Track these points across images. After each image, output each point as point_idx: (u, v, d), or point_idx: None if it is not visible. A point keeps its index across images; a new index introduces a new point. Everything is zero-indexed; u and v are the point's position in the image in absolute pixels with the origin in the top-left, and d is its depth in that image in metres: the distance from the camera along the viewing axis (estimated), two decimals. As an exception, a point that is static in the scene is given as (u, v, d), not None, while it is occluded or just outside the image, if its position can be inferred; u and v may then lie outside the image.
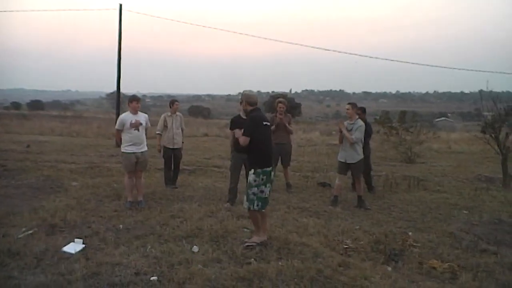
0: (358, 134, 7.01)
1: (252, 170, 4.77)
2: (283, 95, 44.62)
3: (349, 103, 7.26)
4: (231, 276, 3.84)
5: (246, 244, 4.67)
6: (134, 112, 6.55)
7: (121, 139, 6.61)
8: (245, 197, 4.85)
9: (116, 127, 6.69)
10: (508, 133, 10.09)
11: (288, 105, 9.03)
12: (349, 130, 7.06)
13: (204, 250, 4.50)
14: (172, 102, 8.22)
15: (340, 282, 3.85)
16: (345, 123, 7.21)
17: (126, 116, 6.56)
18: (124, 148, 6.53)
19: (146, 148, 6.66)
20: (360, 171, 7.25)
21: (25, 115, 36.85)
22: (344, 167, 7.18)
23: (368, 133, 7.70)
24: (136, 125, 6.47)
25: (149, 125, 6.76)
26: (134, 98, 6.66)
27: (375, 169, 10.63)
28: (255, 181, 4.73)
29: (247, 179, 6.90)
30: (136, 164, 6.54)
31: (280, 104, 8.25)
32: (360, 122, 7.10)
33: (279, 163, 8.17)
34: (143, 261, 4.16)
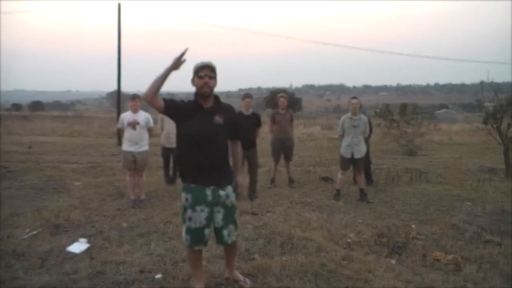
0: (367, 130, 7.09)
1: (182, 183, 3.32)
2: (283, 90, 44.52)
3: (355, 97, 7.04)
4: (235, 272, 3.84)
5: None
6: (133, 111, 6.54)
7: None
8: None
9: (118, 125, 6.89)
10: (510, 124, 10.07)
11: (289, 100, 8.94)
12: (356, 126, 6.90)
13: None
14: None
15: (344, 276, 3.85)
16: (347, 118, 7.05)
17: (126, 115, 6.59)
18: (123, 146, 6.60)
19: (145, 148, 6.59)
20: (363, 164, 7.25)
21: (26, 116, 36.89)
22: (349, 163, 7.12)
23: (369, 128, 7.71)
24: (132, 124, 6.44)
25: (151, 124, 6.69)
26: (130, 97, 6.62)
27: (376, 162, 10.64)
28: (185, 200, 3.22)
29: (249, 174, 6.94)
30: (134, 163, 6.53)
31: (281, 99, 8.10)
32: (364, 117, 7.07)
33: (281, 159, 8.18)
34: (148, 259, 4.17)
